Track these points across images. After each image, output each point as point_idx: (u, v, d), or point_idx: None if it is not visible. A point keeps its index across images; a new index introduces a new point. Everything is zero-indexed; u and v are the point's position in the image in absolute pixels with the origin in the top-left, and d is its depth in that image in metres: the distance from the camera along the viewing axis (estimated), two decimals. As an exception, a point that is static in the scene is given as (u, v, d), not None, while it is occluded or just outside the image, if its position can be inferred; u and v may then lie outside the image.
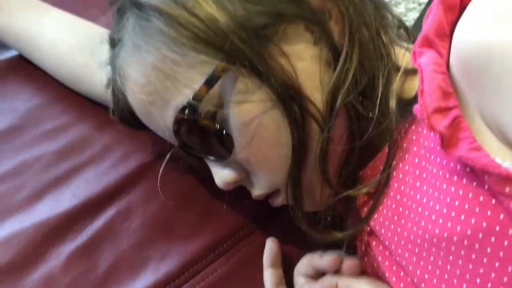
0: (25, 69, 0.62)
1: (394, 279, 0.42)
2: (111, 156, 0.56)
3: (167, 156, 0.51)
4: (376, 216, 0.43)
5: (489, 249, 0.33)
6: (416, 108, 0.35)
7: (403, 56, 0.44)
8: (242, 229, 0.52)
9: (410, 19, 1.57)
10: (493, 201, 0.33)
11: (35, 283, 0.47)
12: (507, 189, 0.32)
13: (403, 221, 0.40)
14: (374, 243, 0.44)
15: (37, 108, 0.59)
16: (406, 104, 0.41)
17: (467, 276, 0.35)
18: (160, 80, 0.41)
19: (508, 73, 0.30)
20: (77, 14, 0.63)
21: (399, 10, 1.63)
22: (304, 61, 0.41)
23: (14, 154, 0.55)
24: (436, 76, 0.35)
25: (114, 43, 0.46)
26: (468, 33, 0.33)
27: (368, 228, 0.44)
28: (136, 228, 0.51)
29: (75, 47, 0.57)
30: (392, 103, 0.41)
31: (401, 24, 0.48)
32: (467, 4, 0.36)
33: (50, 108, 0.59)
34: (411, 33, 0.49)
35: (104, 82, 0.50)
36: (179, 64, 0.40)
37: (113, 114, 0.52)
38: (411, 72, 0.44)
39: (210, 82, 0.39)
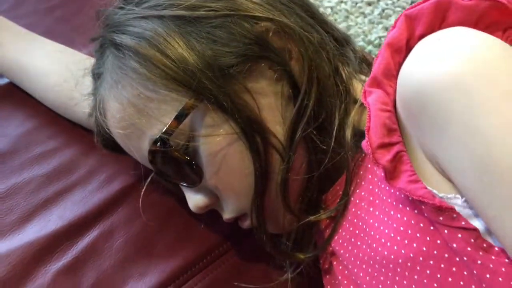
0: (15, 96, 0.66)
1: (352, 297, 0.45)
2: (96, 179, 0.59)
3: (148, 179, 0.55)
4: (336, 238, 0.46)
5: (428, 271, 0.37)
6: (363, 144, 0.39)
7: (361, 90, 0.47)
8: (217, 248, 0.55)
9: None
10: (432, 227, 0.37)
11: (23, 301, 0.50)
12: (441, 218, 0.35)
13: (359, 243, 0.43)
14: (335, 263, 0.47)
15: (27, 134, 0.63)
16: (363, 135, 0.45)
17: None
18: (135, 114, 0.44)
19: (441, 114, 0.33)
20: (66, 41, 0.67)
21: (390, 22, 1.65)
22: (267, 97, 0.44)
23: (4, 178, 0.58)
24: (381, 114, 0.38)
25: (96, 77, 0.49)
26: (408, 75, 0.36)
27: (331, 249, 0.47)
28: (118, 248, 0.54)
29: (62, 74, 0.60)
30: (348, 134, 0.44)
31: (363, 59, 0.51)
32: (413, 46, 0.39)
33: (40, 134, 0.63)
34: (372, 66, 0.52)
35: (87, 113, 0.53)
36: (152, 100, 0.43)
37: (97, 141, 0.55)
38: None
39: (180, 117, 0.43)
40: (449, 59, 0.33)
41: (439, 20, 0.39)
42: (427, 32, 0.39)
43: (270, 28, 0.43)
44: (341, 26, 1.53)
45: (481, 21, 0.38)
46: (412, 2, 1.72)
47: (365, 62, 0.52)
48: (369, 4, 1.68)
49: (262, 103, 0.43)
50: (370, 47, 1.53)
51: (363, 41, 1.56)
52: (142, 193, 0.54)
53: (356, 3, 1.68)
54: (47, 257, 0.53)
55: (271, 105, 0.44)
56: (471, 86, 0.32)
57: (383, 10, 1.66)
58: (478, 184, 0.33)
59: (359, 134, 0.45)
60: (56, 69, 0.61)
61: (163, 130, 0.43)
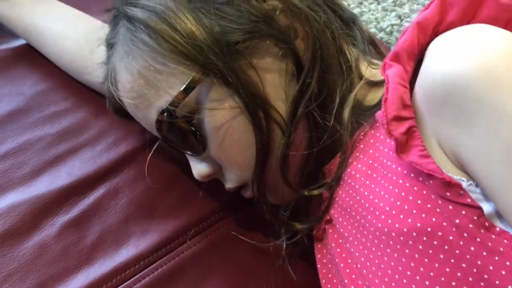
0: (32, 57, 0.68)
1: (342, 265, 0.47)
2: (105, 140, 0.62)
3: (155, 146, 0.57)
4: (336, 206, 0.48)
5: (420, 247, 0.38)
6: (379, 114, 0.40)
7: (365, 69, 0.49)
8: (217, 212, 0.58)
9: (413, 20, 1.59)
10: (429, 205, 0.38)
11: (30, 249, 0.53)
12: (448, 194, 0.37)
13: (353, 213, 0.45)
14: (330, 230, 0.49)
15: (42, 93, 0.65)
16: (366, 110, 0.46)
17: (400, 268, 0.40)
18: (144, 85, 0.46)
19: (470, 104, 0.34)
20: (82, 8, 0.69)
21: (403, 11, 1.65)
22: (271, 73, 0.45)
23: (19, 134, 0.61)
24: (399, 88, 0.39)
25: (109, 46, 0.51)
26: (434, 64, 0.37)
27: (328, 217, 0.49)
28: (123, 206, 0.57)
29: (77, 41, 0.62)
30: (346, 112, 0.45)
31: (370, 40, 0.52)
32: (440, 33, 0.40)
33: (53, 94, 0.65)
34: (378, 48, 0.53)
35: (100, 79, 0.55)
36: (161, 72, 0.45)
37: (108, 107, 0.57)
38: (374, 84, 0.48)
39: (186, 90, 0.44)
40: (479, 50, 0.34)
41: (472, 12, 0.40)
42: (458, 22, 0.40)
43: (277, 6, 0.45)
44: (354, 12, 1.53)
45: (511, 23, 0.39)
46: (426, -8, 1.71)
47: (371, 43, 0.54)
48: (383, -9, 1.68)
49: (266, 79, 0.45)
50: (381, 34, 1.53)
51: (375, 28, 1.56)
52: (148, 156, 0.57)
53: (371, -10, 1.67)
54: (55, 210, 0.56)
55: (275, 82, 0.45)
56: (502, 77, 0.33)
57: (397, -2, 1.66)
58: (505, 174, 0.34)
59: (363, 110, 0.46)
60: (72, 34, 0.63)
61: (170, 102, 0.45)
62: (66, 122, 0.63)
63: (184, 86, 0.44)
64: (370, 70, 0.49)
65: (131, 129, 0.62)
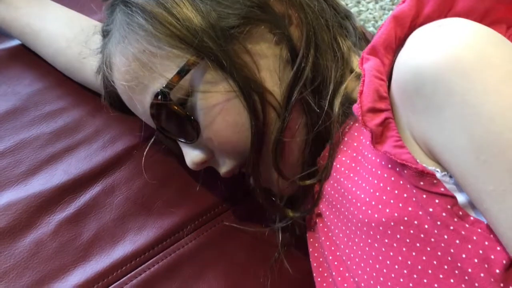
0: (27, 57, 0.68)
1: (330, 257, 0.48)
2: (101, 138, 0.62)
3: (151, 141, 0.58)
4: (323, 200, 0.48)
5: (398, 236, 0.39)
6: (355, 107, 0.41)
7: (357, 62, 0.49)
8: (213, 208, 0.58)
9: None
10: (405, 195, 0.39)
11: (26, 247, 0.53)
12: (422, 183, 0.37)
13: (338, 206, 0.46)
14: (321, 224, 0.50)
15: (37, 93, 0.65)
16: (353, 103, 0.46)
17: (380, 258, 0.40)
18: (139, 68, 0.46)
19: (439, 95, 0.35)
20: (77, 7, 0.69)
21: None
22: (266, 59, 0.46)
23: (15, 133, 0.61)
24: (375, 80, 0.40)
25: (105, 34, 0.52)
26: (406, 58, 0.38)
27: (318, 210, 0.50)
28: (119, 203, 0.57)
29: (72, 40, 0.62)
30: (338, 100, 0.46)
31: (362, 36, 0.53)
32: (417, 26, 0.41)
33: (49, 93, 0.65)
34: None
35: (95, 69, 0.56)
36: (156, 56, 0.45)
37: (104, 99, 0.58)
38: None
39: (181, 73, 0.45)
40: (449, 43, 0.35)
41: (448, 5, 0.41)
42: (434, 14, 0.41)
43: None
44: (352, 11, 1.53)
45: (488, 14, 0.39)
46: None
47: (364, 39, 0.54)
48: (379, -9, 1.69)
49: (261, 64, 0.45)
50: (378, 34, 1.54)
51: (373, 27, 1.57)
52: (145, 151, 0.57)
53: (367, -10, 1.68)
54: (51, 208, 0.56)
55: (269, 67, 0.46)
56: (471, 69, 0.33)
57: (393, -2, 1.66)
58: (474, 163, 0.34)
59: (350, 103, 0.46)
60: (67, 31, 0.63)
61: (165, 84, 0.45)
62: (62, 121, 0.63)
63: (179, 68, 0.45)
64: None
65: (127, 127, 0.63)
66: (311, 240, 0.52)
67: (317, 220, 0.50)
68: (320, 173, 0.48)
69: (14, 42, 0.70)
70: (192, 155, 0.50)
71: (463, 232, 0.36)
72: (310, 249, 0.51)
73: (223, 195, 0.59)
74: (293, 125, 0.47)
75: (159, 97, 0.46)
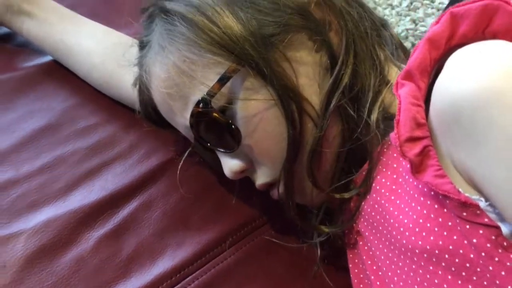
0: (59, 73, 0.69)
1: (373, 277, 0.47)
2: (136, 153, 0.62)
3: (186, 153, 0.58)
4: (362, 220, 0.48)
5: (443, 264, 0.38)
6: (392, 135, 0.40)
7: (395, 73, 0.49)
8: (251, 223, 0.58)
9: (428, 24, 1.59)
10: (450, 223, 0.38)
11: (67, 264, 0.53)
12: (465, 214, 0.36)
13: (380, 228, 0.45)
14: (361, 242, 0.49)
15: (72, 108, 0.66)
16: (390, 119, 0.45)
17: (425, 284, 0.40)
18: (180, 76, 0.46)
19: (478, 129, 0.34)
20: (110, 22, 0.70)
21: (417, 15, 1.65)
22: (305, 66, 0.46)
23: (52, 149, 0.62)
24: (412, 108, 0.39)
25: (143, 45, 0.52)
26: (445, 86, 0.36)
27: (357, 228, 0.49)
28: (157, 218, 0.57)
29: (106, 55, 0.63)
30: (376, 110, 0.45)
31: (399, 45, 0.52)
32: (453, 46, 0.40)
33: (83, 109, 0.66)
34: (408, 55, 0.53)
35: (131, 81, 0.56)
36: (197, 63, 0.46)
37: (139, 113, 0.58)
38: None
39: (222, 80, 0.45)
40: (488, 72, 0.34)
41: (484, 23, 0.39)
42: (470, 33, 0.40)
43: (312, 0, 0.45)
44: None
45: None
46: (441, -5, 1.71)
47: (401, 48, 0.54)
48: (397, -4, 1.68)
49: (300, 72, 0.45)
50: (397, 39, 1.54)
51: (390, 33, 1.56)
52: (180, 164, 0.57)
53: (385, -5, 1.68)
54: (90, 224, 0.56)
55: (309, 74, 0.46)
56: (510, 101, 0.32)
57: (411, 3, 1.65)
58: None
59: (388, 118, 0.46)
60: (101, 47, 0.64)
61: (206, 92, 0.45)
62: (97, 136, 0.63)
63: (220, 76, 0.45)
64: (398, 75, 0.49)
65: (162, 142, 0.63)
66: (351, 255, 0.51)
67: (357, 238, 0.49)
68: (358, 186, 0.47)
69: (46, 59, 0.71)
70: (230, 164, 0.50)
71: (508, 264, 0.35)
72: (350, 265, 0.51)
73: (259, 208, 0.59)
74: (330, 134, 0.46)
75: (200, 105, 0.46)
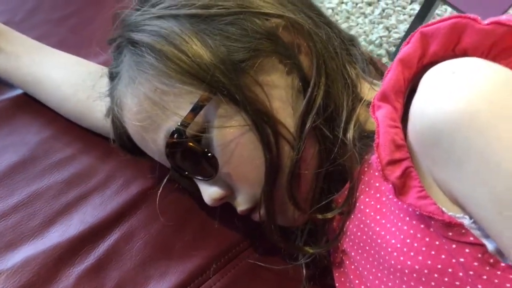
0: (31, 105, 0.67)
1: (361, 296, 0.47)
2: (114, 183, 0.61)
3: (164, 180, 0.57)
4: (347, 240, 0.48)
5: (433, 283, 0.38)
6: (373, 159, 0.40)
7: (368, 90, 0.49)
8: (234, 247, 0.57)
9: (401, 31, 1.61)
10: (437, 242, 0.38)
11: (48, 303, 0.52)
12: (450, 234, 0.37)
13: (367, 248, 0.45)
14: (347, 262, 0.49)
15: (46, 141, 0.64)
16: (368, 136, 0.46)
17: None
18: (152, 108, 0.46)
19: (457, 151, 0.34)
20: (79, 52, 0.69)
21: (390, 22, 1.68)
22: (278, 89, 0.46)
23: (27, 185, 0.60)
24: (390, 130, 0.39)
25: (112, 76, 0.51)
26: (421, 109, 0.37)
27: (342, 248, 0.49)
28: (138, 250, 0.56)
29: (77, 85, 0.62)
30: (350, 132, 0.45)
31: (369, 61, 0.53)
32: (426, 65, 0.40)
33: (57, 141, 0.64)
34: (379, 69, 0.54)
35: (104, 112, 0.55)
36: (168, 94, 0.45)
37: (113, 142, 0.57)
38: None
39: (195, 109, 0.45)
40: (463, 95, 0.34)
41: (454, 41, 0.40)
42: (441, 52, 0.40)
43: (280, 24, 0.46)
44: (343, 26, 1.55)
45: (495, 46, 0.39)
46: (411, 2, 1.74)
47: (371, 64, 0.54)
48: (369, 4, 1.71)
49: (273, 95, 0.45)
50: (371, 47, 1.56)
51: (364, 41, 1.58)
52: (159, 192, 0.57)
53: (357, 4, 1.70)
54: (70, 260, 0.55)
55: (281, 97, 0.46)
56: (487, 124, 0.32)
57: (383, 10, 1.68)
58: (497, 217, 0.33)
59: (364, 136, 0.46)
60: (71, 80, 0.63)
61: (180, 122, 0.45)
62: (73, 168, 0.62)
63: (193, 105, 0.44)
64: (371, 92, 0.49)
65: (139, 170, 0.62)
66: (337, 274, 0.51)
67: (343, 257, 0.49)
68: (340, 206, 0.47)
69: (17, 91, 0.69)
70: (209, 192, 0.50)
71: (496, 281, 0.35)
72: (337, 284, 0.50)
73: (242, 232, 0.58)
74: (307, 156, 0.46)
75: (175, 135, 0.45)
